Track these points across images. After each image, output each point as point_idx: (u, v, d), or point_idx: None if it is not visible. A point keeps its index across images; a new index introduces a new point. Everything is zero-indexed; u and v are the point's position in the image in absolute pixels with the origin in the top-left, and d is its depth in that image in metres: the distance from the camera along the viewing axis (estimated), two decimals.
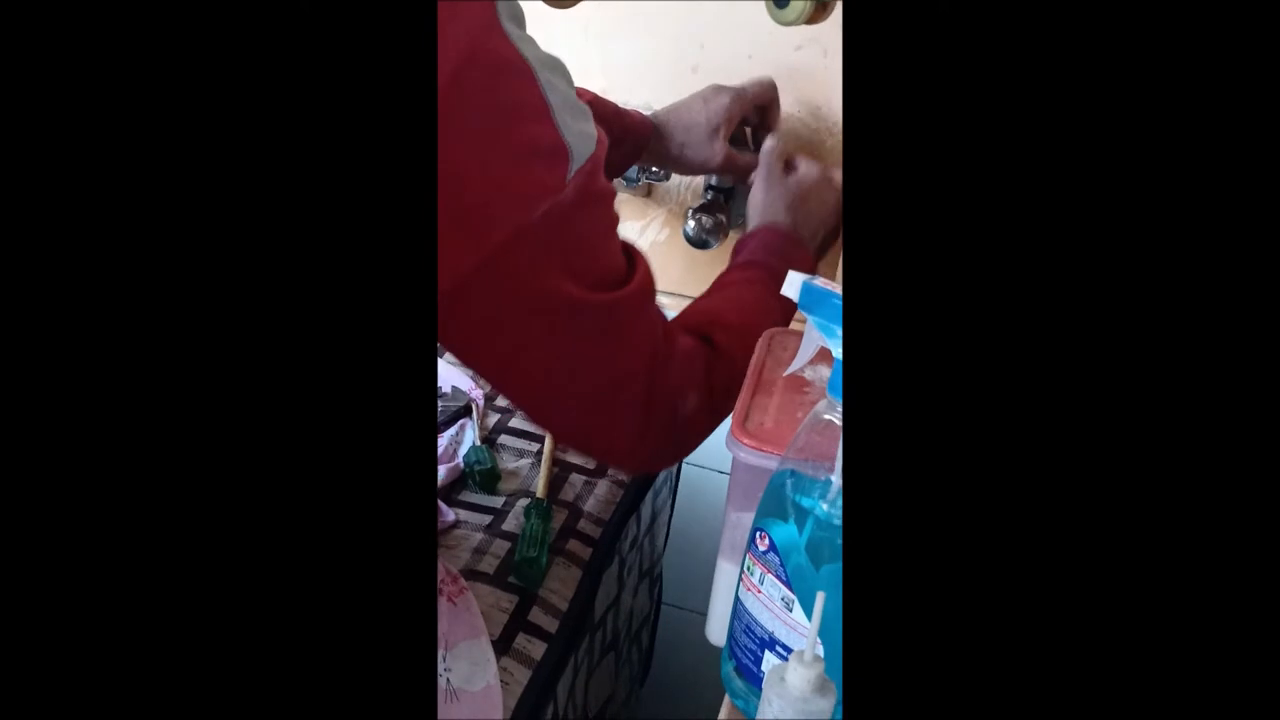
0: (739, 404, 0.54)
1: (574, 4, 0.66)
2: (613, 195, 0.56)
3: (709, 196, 0.94)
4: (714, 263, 0.81)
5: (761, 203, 0.81)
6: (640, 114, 0.86)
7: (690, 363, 0.62)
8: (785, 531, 0.49)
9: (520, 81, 0.49)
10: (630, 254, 0.59)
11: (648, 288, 0.59)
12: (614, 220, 0.58)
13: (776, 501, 0.50)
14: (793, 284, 0.43)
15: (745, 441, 0.52)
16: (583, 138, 0.52)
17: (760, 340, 0.60)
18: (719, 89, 0.86)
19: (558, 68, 0.52)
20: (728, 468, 1.16)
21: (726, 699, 0.56)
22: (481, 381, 1.00)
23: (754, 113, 0.89)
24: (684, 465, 1.13)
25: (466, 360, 0.58)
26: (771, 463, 0.51)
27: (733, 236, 0.95)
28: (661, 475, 1.00)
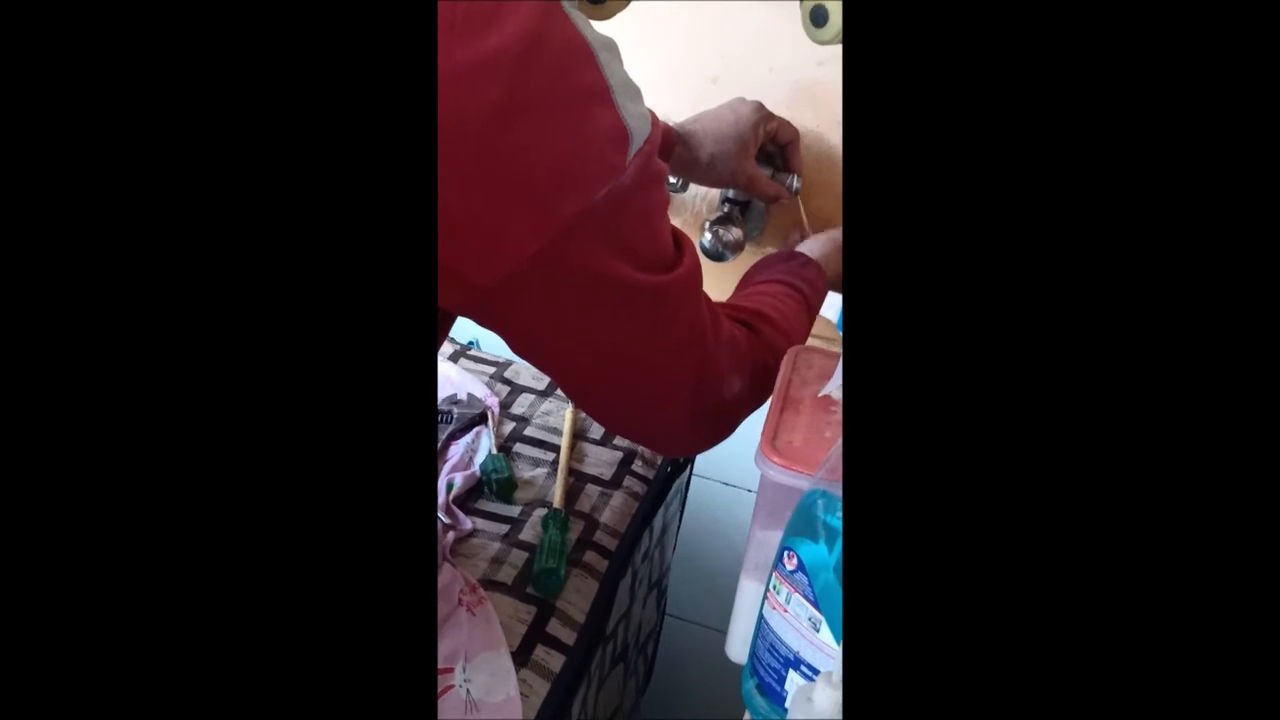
0: (767, 422, 0.54)
1: (615, 12, 0.66)
2: (666, 175, 0.56)
3: (725, 209, 0.94)
4: (730, 275, 0.81)
5: (822, 245, 0.80)
6: (663, 122, 0.85)
7: (736, 348, 0.62)
8: (814, 551, 0.49)
9: (583, 64, 0.48)
10: (678, 238, 0.59)
11: (696, 272, 0.58)
12: (666, 200, 0.57)
13: (806, 521, 0.50)
14: (832, 306, 0.44)
15: (775, 460, 0.52)
16: (640, 119, 0.51)
17: (785, 358, 0.61)
18: (743, 101, 0.86)
19: (613, 49, 0.51)
20: (732, 479, 1.16)
21: (746, 716, 0.56)
22: (497, 388, 1.00)
23: (774, 141, 0.89)
24: (691, 476, 1.13)
25: (518, 345, 0.57)
26: (800, 481, 0.51)
27: (749, 250, 0.95)
28: (673, 487, 1.00)
